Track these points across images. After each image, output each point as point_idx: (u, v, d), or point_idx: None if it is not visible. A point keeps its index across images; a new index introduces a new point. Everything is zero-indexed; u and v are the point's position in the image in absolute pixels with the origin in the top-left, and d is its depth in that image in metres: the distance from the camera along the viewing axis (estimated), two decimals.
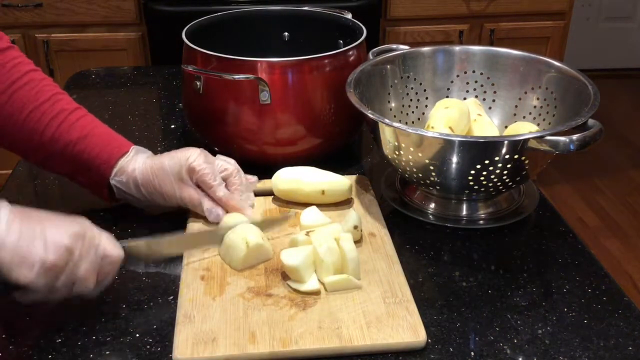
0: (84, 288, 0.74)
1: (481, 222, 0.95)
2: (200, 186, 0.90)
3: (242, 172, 0.95)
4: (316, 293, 0.78)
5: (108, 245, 0.76)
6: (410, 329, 0.73)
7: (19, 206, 0.72)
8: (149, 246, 0.82)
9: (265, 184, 1.00)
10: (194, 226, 0.91)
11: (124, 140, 0.93)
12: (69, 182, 0.97)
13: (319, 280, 0.80)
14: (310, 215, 0.89)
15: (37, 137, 0.89)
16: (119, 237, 0.90)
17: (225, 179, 0.92)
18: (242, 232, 0.83)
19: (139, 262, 0.85)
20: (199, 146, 0.94)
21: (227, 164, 0.93)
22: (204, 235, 0.89)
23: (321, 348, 0.71)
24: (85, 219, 0.76)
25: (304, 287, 0.79)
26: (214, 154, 0.94)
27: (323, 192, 0.94)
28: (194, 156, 0.89)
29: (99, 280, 0.75)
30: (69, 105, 0.91)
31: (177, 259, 0.86)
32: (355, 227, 0.86)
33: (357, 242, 0.87)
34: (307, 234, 0.82)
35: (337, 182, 0.95)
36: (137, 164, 0.90)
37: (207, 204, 0.90)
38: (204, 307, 0.77)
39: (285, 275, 0.81)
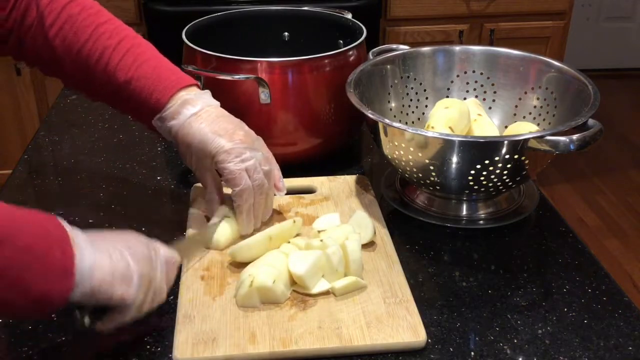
0: (161, 299, 0.73)
1: (481, 222, 0.95)
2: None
3: (276, 177, 0.90)
4: (325, 294, 0.78)
5: (166, 251, 0.75)
6: (410, 329, 0.73)
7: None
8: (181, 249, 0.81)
9: None
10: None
11: (171, 81, 0.86)
12: (69, 181, 0.97)
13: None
14: (325, 218, 0.90)
15: (90, 76, 0.86)
16: None
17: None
18: (256, 268, 0.78)
19: None
20: None
21: (257, 172, 0.85)
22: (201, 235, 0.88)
23: (321, 348, 0.71)
24: (135, 232, 0.74)
25: (311, 292, 0.78)
26: None
27: (270, 238, 0.85)
28: (221, 155, 0.84)
29: (168, 287, 0.74)
30: (111, 39, 0.86)
31: None
32: (375, 234, 0.87)
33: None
34: (322, 240, 0.81)
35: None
36: (179, 120, 0.85)
37: (209, 195, 0.89)
38: (204, 307, 0.77)
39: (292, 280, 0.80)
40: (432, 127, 0.93)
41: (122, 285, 0.66)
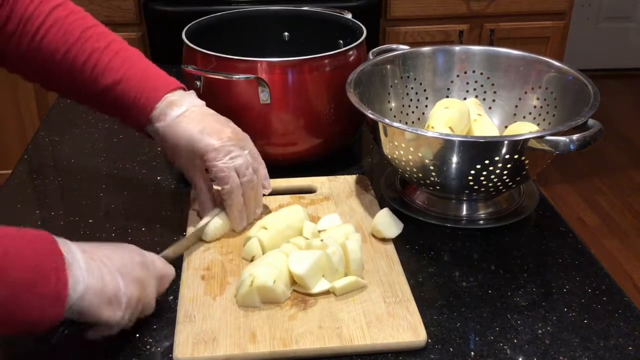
0: (148, 311, 0.74)
1: (481, 222, 0.95)
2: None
3: (262, 175, 0.91)
4: (325, 294, 0.78)
5: (162, 266, 0.76)
6: (410, 329, 0.73)
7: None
8: (174, 252, 0.83)
9: None
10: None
11: (159, 83, 0.88)
12: (69, 181, 0.97)
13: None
14: (325, 218, 0.90)
15: (77, 78, 0.86)
16: (119, 236, 0.91)
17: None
18: (257, 267, 0.78)
19: None
20: None
21: (247, 168, 0.87)
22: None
23: (321, 348, 0.71)
24: (133, 245, 0.75)
25: (311, 292, 0.78)
26: None
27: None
28: (211, 154, 0.85)
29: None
30: (99, 42, 0.86)
31: (177, 259, 0.86)
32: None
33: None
34: (322, 240, 0.81)
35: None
36: (166, 121, 0.86)
37: (201, 195, 0.90)
38: (205, 306, 0.77)
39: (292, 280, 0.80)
40: (432, 127, 0.93)
41: (109, 309, 0.67)
